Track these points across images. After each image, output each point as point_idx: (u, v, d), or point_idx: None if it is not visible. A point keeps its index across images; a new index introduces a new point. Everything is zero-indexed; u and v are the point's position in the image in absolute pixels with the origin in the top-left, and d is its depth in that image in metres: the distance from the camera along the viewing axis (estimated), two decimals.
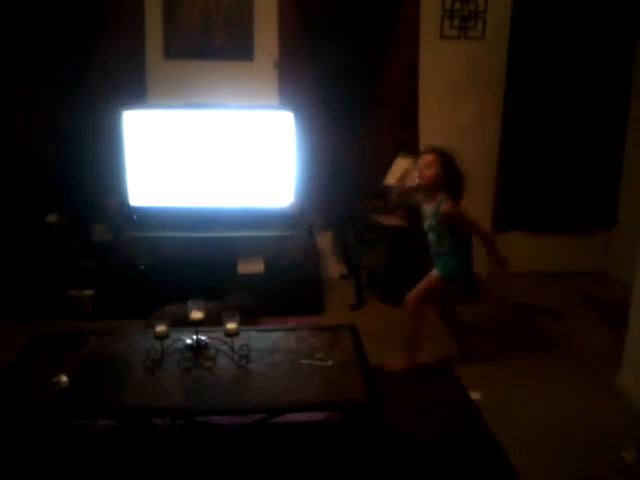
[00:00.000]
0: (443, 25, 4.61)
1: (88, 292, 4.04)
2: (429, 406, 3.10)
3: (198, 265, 4.02)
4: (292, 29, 4.46)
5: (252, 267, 4.13)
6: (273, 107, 4.42)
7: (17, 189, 4.22)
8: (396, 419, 2.76)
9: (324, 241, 4.82)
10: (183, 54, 4.46)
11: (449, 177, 3.24)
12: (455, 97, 4.73)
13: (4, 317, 4.00)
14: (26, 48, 4.28)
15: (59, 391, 2.41)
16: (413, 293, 3.39)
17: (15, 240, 4.06)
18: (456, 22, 4.61)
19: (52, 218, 4.18)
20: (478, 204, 4.90)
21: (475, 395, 3.20)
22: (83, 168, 4.34)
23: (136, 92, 4.39)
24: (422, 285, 3.38)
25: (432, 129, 4.71)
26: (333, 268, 4.95)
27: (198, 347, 2.62)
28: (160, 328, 2.57)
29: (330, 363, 2.62)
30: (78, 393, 2.41)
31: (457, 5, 4.58)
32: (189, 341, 2.63)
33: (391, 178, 4.39)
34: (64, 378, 2.45)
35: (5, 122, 4.41)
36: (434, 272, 3.38)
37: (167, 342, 2.60)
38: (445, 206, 3.21)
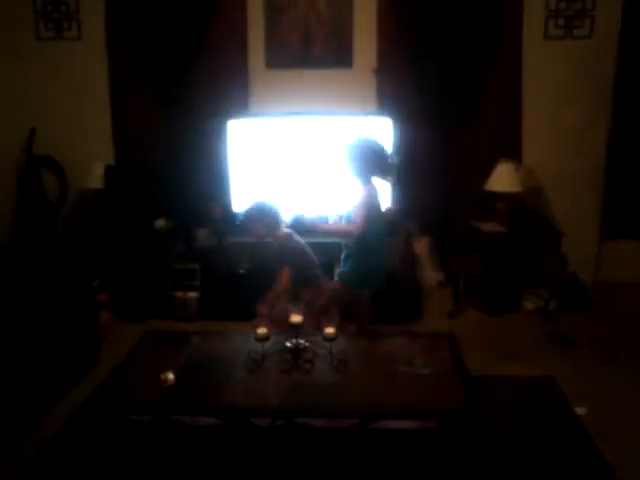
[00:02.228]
0: (547, 25, 4.47)
1: (193, 294, 4.21)
2: (531, 419, 3.00)
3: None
4: (391, 36, 4.45)
5: None
6: (372, 113, 4.43)
7: (129, 197, 4.46)
8: (496, 431, 2.69)
9: (421, 247, 4.77)
10: (284, 64, 4.56)
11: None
12: (561, 99, 4.55)
13: (116, 315, 4.22)
14: (137, 65, 4.54)
15: (166, 388, 2.52)
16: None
17: (126, 244, 4.30)
18: (561, 21, 4.45)
19: (160, 224, 4.38)
20: (586, 211, 4.71)
21: (580, 410, 3.06)
22: (189, 175, 4.54)
23: (240, 101, 4.54)
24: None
25: (536, 133, 4.57)
26: (431, 275, 4.88)
27: (297, 350, 2.67)
28: (261, 330, 2.65)
29: (427, 371, 2.60)
30: (182, 391, 2.51)
31: (562, 4, 4.42)
32: (289, 344, 2.69)
33: (492, 184, 4.31)
34: (171, 376, 2.56)
35: (120, 135, 4.69)
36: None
37: (267, 344, 2.67)
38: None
